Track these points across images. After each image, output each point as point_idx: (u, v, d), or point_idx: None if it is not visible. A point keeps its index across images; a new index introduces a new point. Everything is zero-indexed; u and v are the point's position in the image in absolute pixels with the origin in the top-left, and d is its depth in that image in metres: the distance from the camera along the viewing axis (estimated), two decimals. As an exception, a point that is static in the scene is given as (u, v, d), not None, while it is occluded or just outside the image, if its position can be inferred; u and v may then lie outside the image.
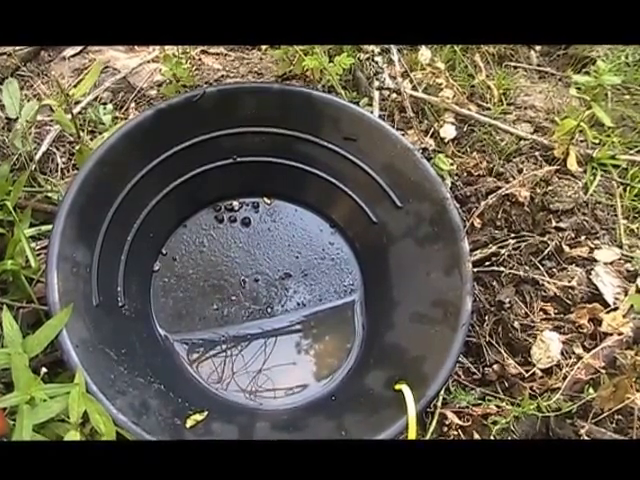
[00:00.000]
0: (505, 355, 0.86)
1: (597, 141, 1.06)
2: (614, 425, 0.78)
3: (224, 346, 0.86)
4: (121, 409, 0.66)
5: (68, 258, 0.74)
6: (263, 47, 1.15)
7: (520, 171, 1.03)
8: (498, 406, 0.80)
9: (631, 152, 1.07)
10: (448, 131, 1.09)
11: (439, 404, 0.81)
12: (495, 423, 0.78)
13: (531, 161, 1.05)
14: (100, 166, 0.81)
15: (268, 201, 0.99)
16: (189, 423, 0.71)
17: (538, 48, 1.28)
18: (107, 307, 0.78)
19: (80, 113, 1.06)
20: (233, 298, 0.90)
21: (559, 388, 0.80)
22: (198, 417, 0.72)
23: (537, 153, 1.06)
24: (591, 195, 1.00)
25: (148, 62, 1.18)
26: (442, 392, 0.81)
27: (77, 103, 1.06)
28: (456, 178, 1.03)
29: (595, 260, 0.92)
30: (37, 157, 0.99)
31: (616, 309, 0.86)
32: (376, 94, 1.08)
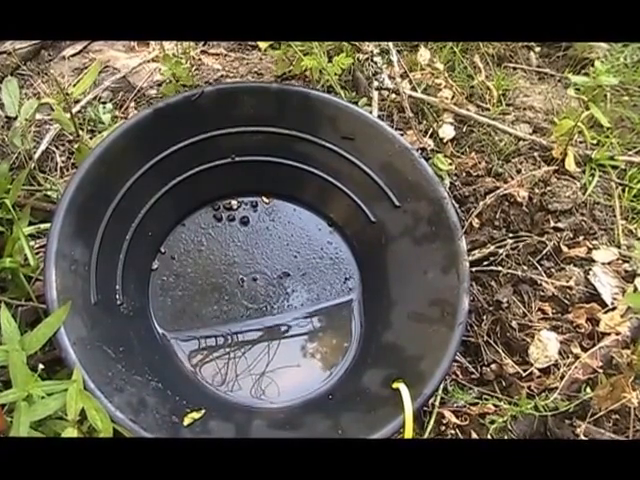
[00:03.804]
0: (503, 354, 0.86)
1: (595, 142, 1.06)
2: (611, 424, 0.78)
3: (222, 345, 0.86)
4: (119, 406, 0.66)
5: (66, 256, 0.75)
6: (262, 47, 1.15)
7: (519, 171, 1.03)
8: (496, 405, 0.81)
9: (629, 153, 1.07)
10: (447, 131, 1.09)
11: (437, 403, 0.81)
12: (493, 422, 0.78)
13: (530, 161, 1.05)
14: (99, 165, 0.81)
15: (266, 200, 0.99)
16: (186, 421, 0.71)
17: (537, 49, 1.28)
18: (105, 305, 0.78)
19: (80, 112, 1.07)
20: (231, 297, 0.90)
21: (557, 387, 0.80)
22: (195, 415, 0.72)
23: (536, 153, 1.06)
24: (589, 195, 1.00)
25: (148, 62, 1.18)
26: (440, 391, 0.81)
27: (77, 102, 1.07)
28: (455, 178, 1.03)
29: (593, 260, 0.92)
30: (36, 156, 0.99)
31: (614, 309, 0.86)
32: (375, 94, 1.08)
